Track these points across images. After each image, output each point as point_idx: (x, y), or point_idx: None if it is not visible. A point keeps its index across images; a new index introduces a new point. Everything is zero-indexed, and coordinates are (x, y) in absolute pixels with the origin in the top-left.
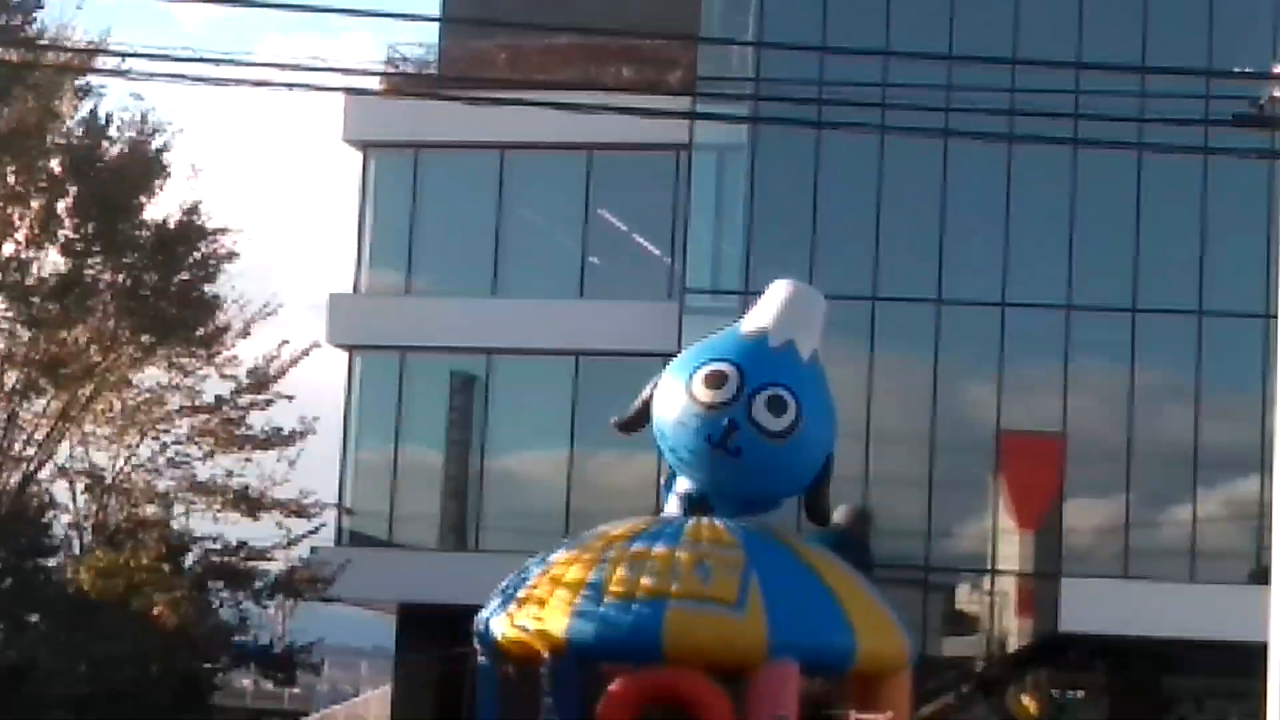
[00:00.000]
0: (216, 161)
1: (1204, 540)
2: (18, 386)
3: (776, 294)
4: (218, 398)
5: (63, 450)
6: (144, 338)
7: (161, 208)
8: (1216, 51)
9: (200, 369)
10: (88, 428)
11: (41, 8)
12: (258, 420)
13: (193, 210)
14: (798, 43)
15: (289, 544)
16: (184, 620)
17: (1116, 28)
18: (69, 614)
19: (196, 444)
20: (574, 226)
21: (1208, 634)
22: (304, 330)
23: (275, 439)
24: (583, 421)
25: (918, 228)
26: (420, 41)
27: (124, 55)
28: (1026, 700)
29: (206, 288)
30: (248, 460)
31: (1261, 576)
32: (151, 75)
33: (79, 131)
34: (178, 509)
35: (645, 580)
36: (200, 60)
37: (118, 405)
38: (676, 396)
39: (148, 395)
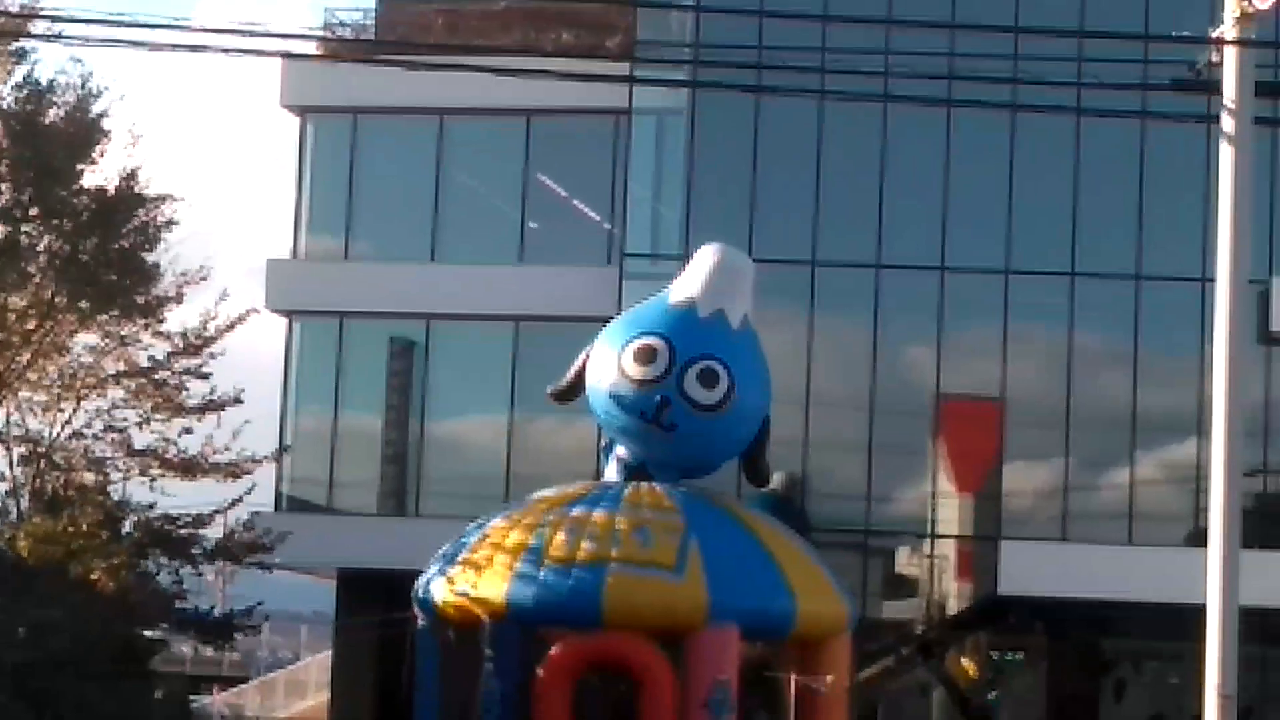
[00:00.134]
0: (154, 127)
1: (1142, 503)
2: None
3: (704, 262)
4: (153, 359)
5: None
6: (82, 304)
7: (100, 174)
8: (1154, 16)
9: (137, 334)
10: (24, 394)
11: None
12: (196, 388)
13: (131, 177)
14: (737, 7)
15: (230, 505)
16: (123, 587)
17: None
18: (7, 581)
19: (134, 408)
20: (513, 192)
21: (1146, 596)
22: (243, 296)
23: (211, 405)
24: (523, 387)
25: (857, 193)
26: (358, 6)
27: (58, 19)
28: (966, 663)
29: (146, 256)
30: (187, 431)
31: (1199, 539)
32: (87, 40)
33: (15, 96)
34: (115, 475)
35: (585, 545)
36: (136, 25)
37: (54, 371)
38: (608, 370)
39: (84, 361)
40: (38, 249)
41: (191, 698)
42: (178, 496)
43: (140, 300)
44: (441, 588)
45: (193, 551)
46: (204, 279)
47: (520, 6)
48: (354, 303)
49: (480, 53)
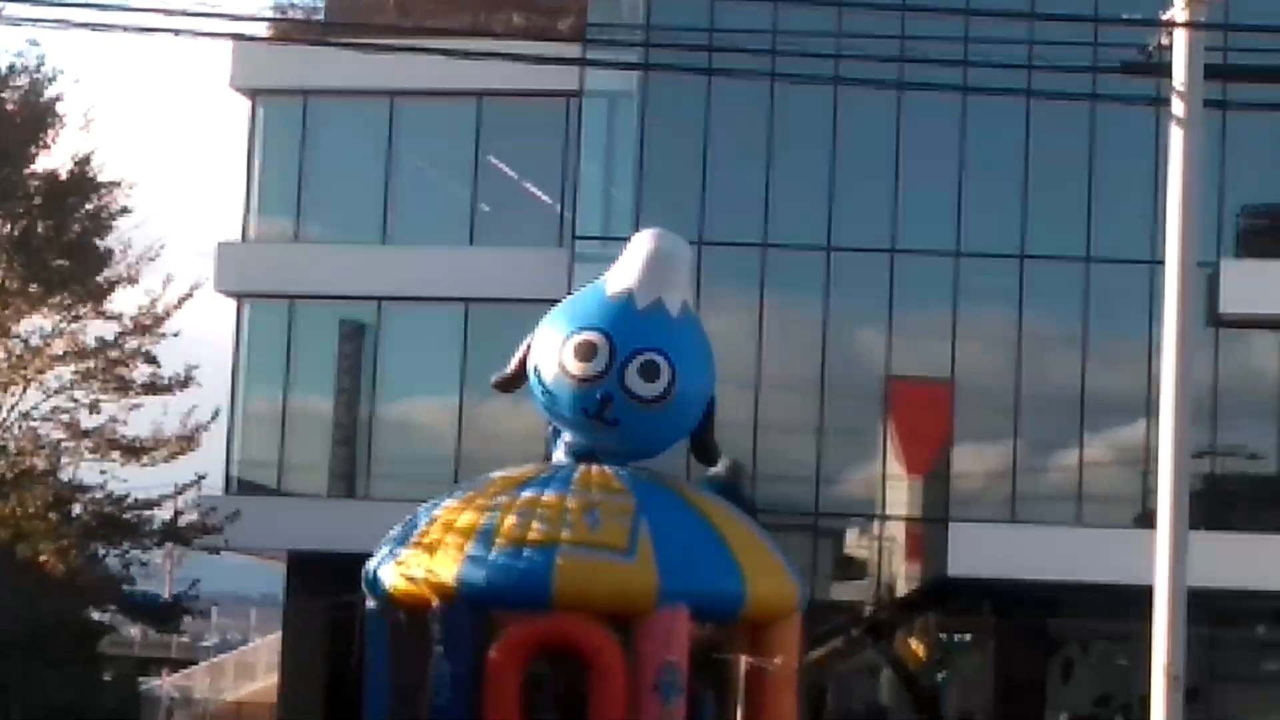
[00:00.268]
0: (104, 109)
1: (1090, 485)
2: None
3: (640, 250)
4: (101, 340)
5: None
6: (32, 288)
7: (53, 158)
8: None
9: (86, 315)
10: None
11: None
12: (144, 368)
13: (85, 162)
14: None
15: (180, 491)
16: (72, 569)
17: None
18: None
19: (83, 389)
20: (464, 174)
21: (1094, 577)
22: (193, 279)
23: (160, 385)
24: (473, 369)
25: (807, 175)
26: None
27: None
28: (914, 644)
29: (97, 241)
30: (136, 407)
31: (1147, 520)
32: (36, 20)
33: None
34: (64, 458)
35: (535, 527)
36: (84, 5)
37: (1, 354)
38: (549, 364)
39: (31, 344)
40: None
41: (140, 680)
42: (128, 481)
43: (90, 285)
44: (391, 570)
45: (142, 534)
46: (153, 259)
47: None
48: (304, 285)
49: (431, 35)
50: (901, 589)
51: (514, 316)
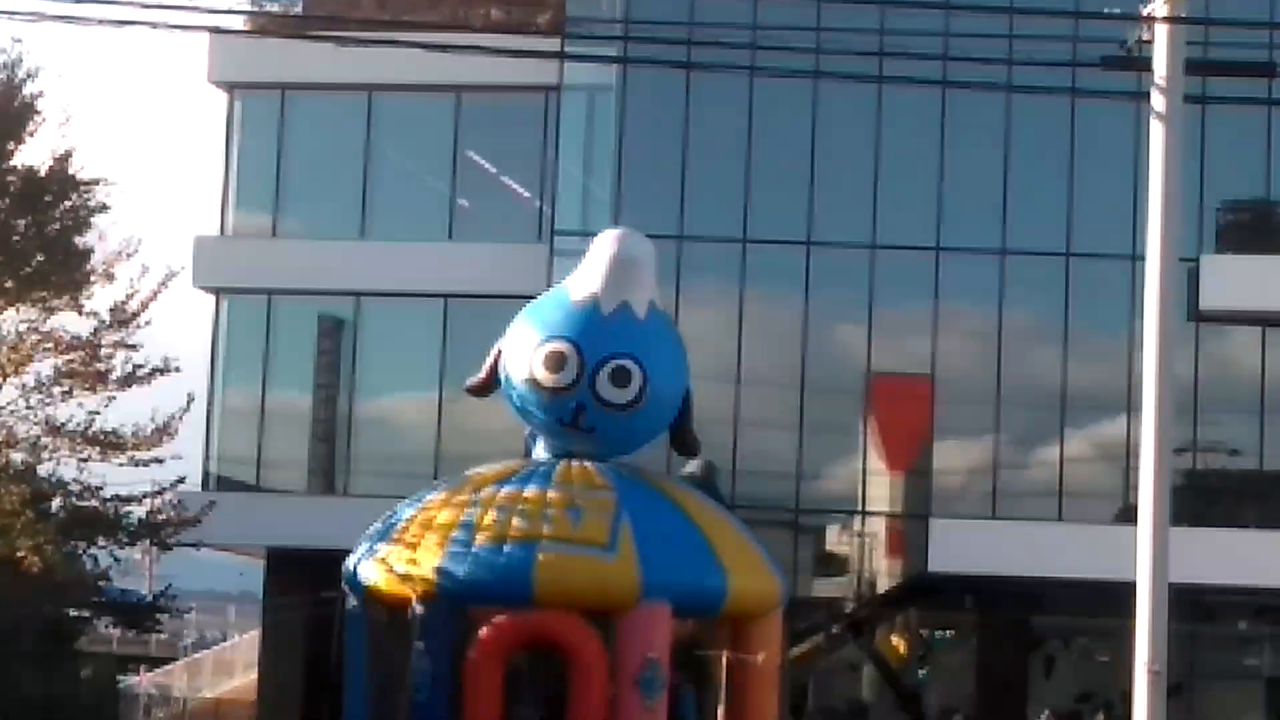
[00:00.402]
0: (81, 103)
1: (1072, 480)
2: None
3: (602, 253)
4: (76, 337)
5: None
6: (8, 284)
7: (32, 154)
8: None
9: (62, 308)
10: None
11: None
12: (121, 361)
13: (65, 159)
14: None
15: (158, 493)
16: (49, 566)
17: None
18: None
19: (59, 384)
20: (442, 168)
21: (1075, 573)
22: (167, 271)
23: (137, 377)
24: (452, 364)
25: (787, 170)
26: None
27: None
28: (896, 640)
29: (76, 239)
30: (111, 398)
31: (1128, 516)
32: (12, 13)
33: None
34: (42, 454)
35: (516, 523)
36: None
37: None
38: (519, 373)
39: (8, 339)
40: None
41: (118, 678)
42: (106, 479)
43: (69, 281)
44: (371, 566)
45: (119, 530)
46: (132, 254)
47: None
48: (282, 280)
49: (409, 28)
50: (883, 585)
51: (493, 312)
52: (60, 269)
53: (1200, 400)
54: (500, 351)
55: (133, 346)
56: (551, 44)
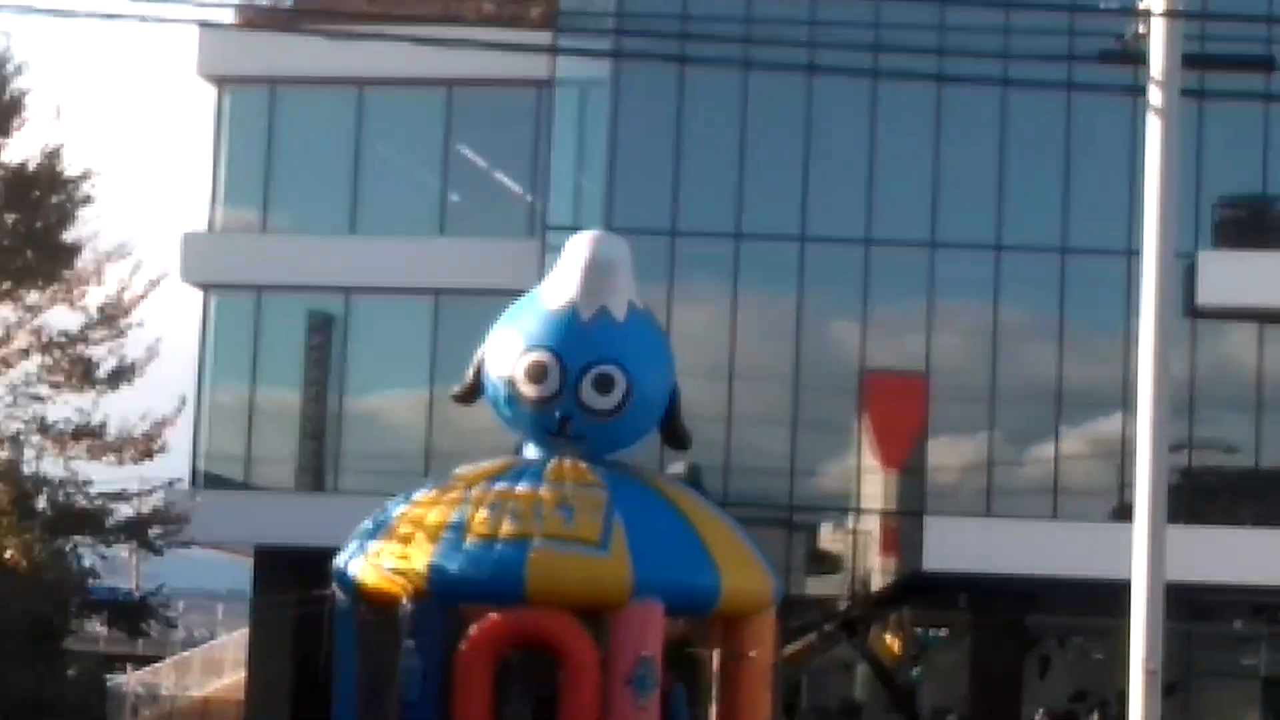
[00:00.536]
0: (69, 96)
1: (1067, 478)
2: None
3: (577, 258)
4: (65, 334)
5: None
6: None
7: (20, 149)
8: None
9: (51, 305)
10: None
11: None
12: (109, 357)
13: (54, 155)
14: None
15: (149, 491)
16: (36, 564)
17: None
18: None
19: (46, 382)
20: (434, 163)
21: (1070, 572)
22: (157, 268)
23: (123, 373)
24: (443, 361)
25: (781, 164)
26: None
27: None
28: (890, 639)
29: (64, 235)
30: (100, 397)
31: (1124, 514)
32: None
33: None
34: (28, 452)
35: (508, 521)
36: None
37: None
38: (502, 383)
39: None
40: None
41: (106, 676)
42: (94, 479)
43: (58, 279)
44: (361, 565)
45: (106, 528)
46: (125, 256)
47: None
48: (271, 276)
49: (400, 22)
50: (876, 583)
51: (484, 308)
52: (49, 265)
53: (1197, 397)
54: (482, 359)
55: (119, 334)
56: (544, 38)
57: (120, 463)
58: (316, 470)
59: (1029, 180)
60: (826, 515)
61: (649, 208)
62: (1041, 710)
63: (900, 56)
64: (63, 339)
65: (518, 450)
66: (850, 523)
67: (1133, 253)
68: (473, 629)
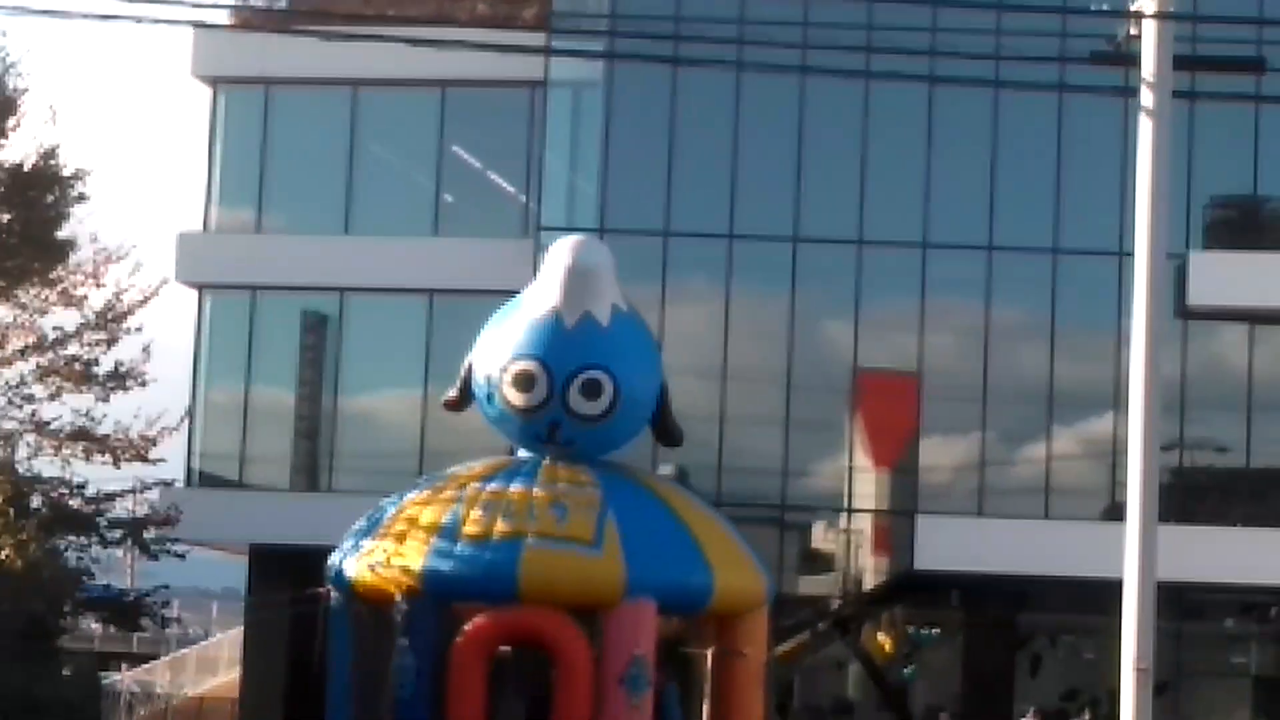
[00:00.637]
0: (65, 97)
1: (1059, 477)
2: None
3: (558, 265)
4: (60, 330)
5: None
6: None
7: (15, 149)
8: None
9: (48, 307)
10: None
11: None
12: (106, 359)
13: (50, 154)
14: None
15: (144, 489)
16: (31, 563)
17: None
18: None
19: (42, 383)
20: (428, 163)
21: (1062, 571)
22: (153, 269)
23: (120, 374)
24: (437, 360)
25: (774, 165)
26: None
27: None
28: (882, 638)
29: (58, 233)
30: (103, 400)
31: (1115, 513)
32: None
33: None
34: (23, 452)
35: (501, 520)
36: None
37: None
38: (490, 390)
39: None
40: None
41: (101, 675)
42: (89, 480)
43: (54, 277)
44: (356, 563)
45: (100, 528)
46: (122, 258)
47: None
48: (266, 276)
49: (394, 23)
50: (869, 582)
51: (478, 308)
52: (43, 260)
53: (1188, 397)
54: (470, 366)
55: (114, 339)
56: (537, 39)
57: (116, 464)
58: (311, 470)
59: (1021, 181)
60: (819, 514)
61: (642, 208)
62: (1032, 709)
63: (892, 58)
64: (58, 333)
65: (511, 450)
66: (842, 522)
67: (1124, 253)
68: (466, 627)
